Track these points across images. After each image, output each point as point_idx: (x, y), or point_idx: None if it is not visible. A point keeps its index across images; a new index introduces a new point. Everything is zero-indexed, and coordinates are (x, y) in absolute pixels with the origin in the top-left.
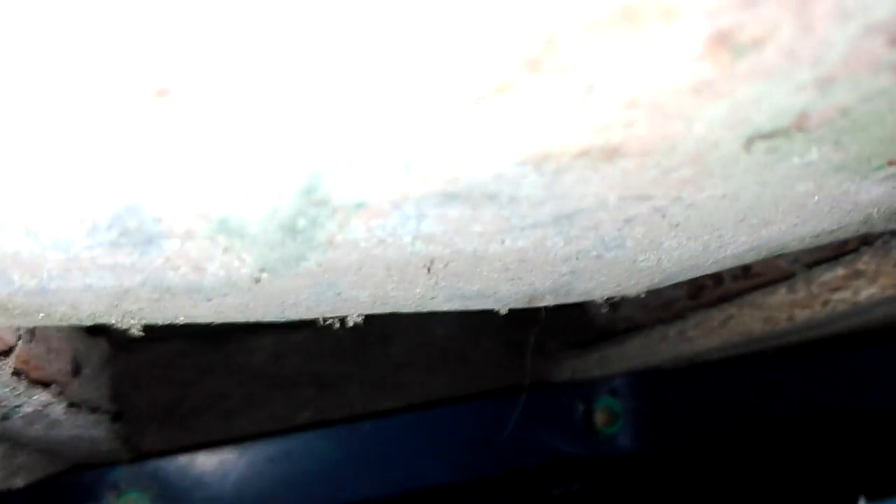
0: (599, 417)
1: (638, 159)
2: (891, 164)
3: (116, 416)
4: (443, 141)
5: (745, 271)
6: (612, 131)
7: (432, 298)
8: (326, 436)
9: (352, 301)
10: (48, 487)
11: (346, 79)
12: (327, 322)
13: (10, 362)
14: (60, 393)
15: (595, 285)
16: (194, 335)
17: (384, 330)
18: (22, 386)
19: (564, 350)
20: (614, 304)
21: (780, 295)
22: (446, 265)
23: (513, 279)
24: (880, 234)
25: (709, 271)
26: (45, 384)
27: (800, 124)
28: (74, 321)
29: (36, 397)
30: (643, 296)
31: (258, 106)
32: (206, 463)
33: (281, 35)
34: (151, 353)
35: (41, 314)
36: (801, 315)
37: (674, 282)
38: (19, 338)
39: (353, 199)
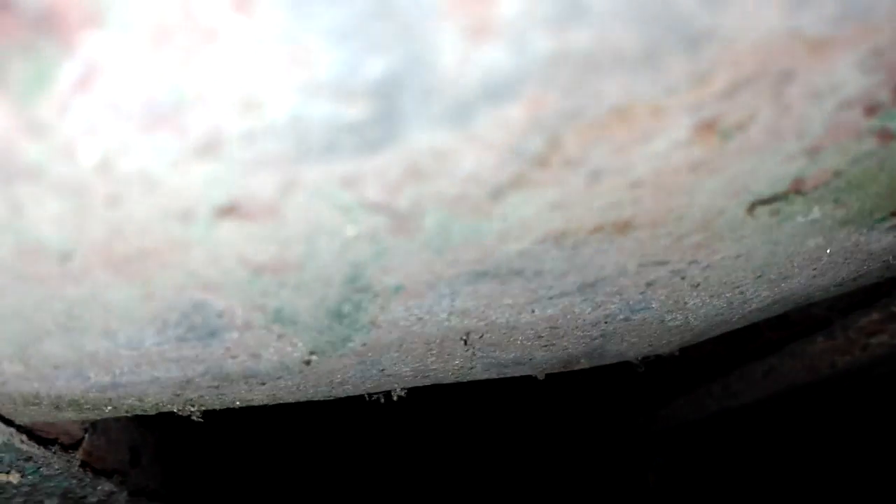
0: (651, 477)
1: (649, 230)
2: (894, 214)
3: (172, 502)
4: (468, 229)
5: (781, 321)
6: (621, 209)
7: (471, 368)
8: None
9: (395, 376)
10: None
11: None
12: (373, 398)
13: (79, 455)
14: (122, 482)
15: (627, 346)
16: (240, 424)
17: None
18: (88, 477)
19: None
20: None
21: (819, 343)
22: (482, 336)
23: (546, 345)
24: None
25: (738, 325)
26: (108, 474)
27: (797, 188)
28: (139, 411)
29: (100, 487)
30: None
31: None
32: None
33: None
34: (202, 442)
35: (109, 407)
36: (842, 361)
37: (706, 338)
38: (85, 430)
39: (392, 284)
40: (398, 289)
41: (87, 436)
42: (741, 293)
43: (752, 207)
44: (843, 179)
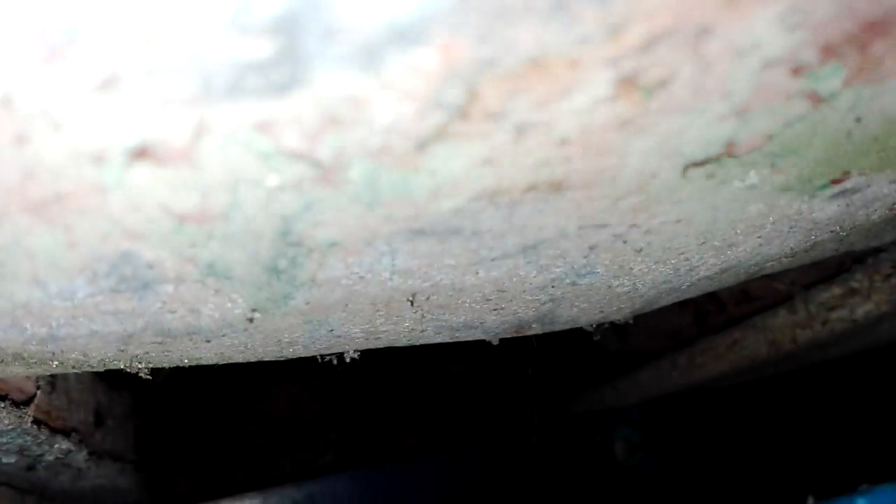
0: (619, 449)
1: (584, 191)
2: (834, 182)
3: (141, 466)
4: (397, 183)
5: (745, 295)
6: (552, 167)
7: (422, 331)
8: (348, 478)
9: (345, 337)
10: None
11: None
12: (326, 359)
13: (31, 410)
14: (81, 441)
15: (578, 312)
16: (216, 385)
17: (403, 369)
18: (43, 434)
19: (580, 382)
20: (622, 333)
21: (782, 317)
22: (428, 298)
23: (496, 309)
24: (872, 252)
25: (690, 294)
26: (66, 433)
27: (730, 151)
28: (87, 367)
29: (57, 445)
30: (646, 323)
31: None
32: None
33: None
34: (175, 404)
35: (55, 362)
36: (804, 336)
37: (658, 306)
38: (38, 387)
39: (326, 239)
40: (333, 244)
41: (38, 392)
42: (686, 260)
43: (685, 170)
44: (777, 143)
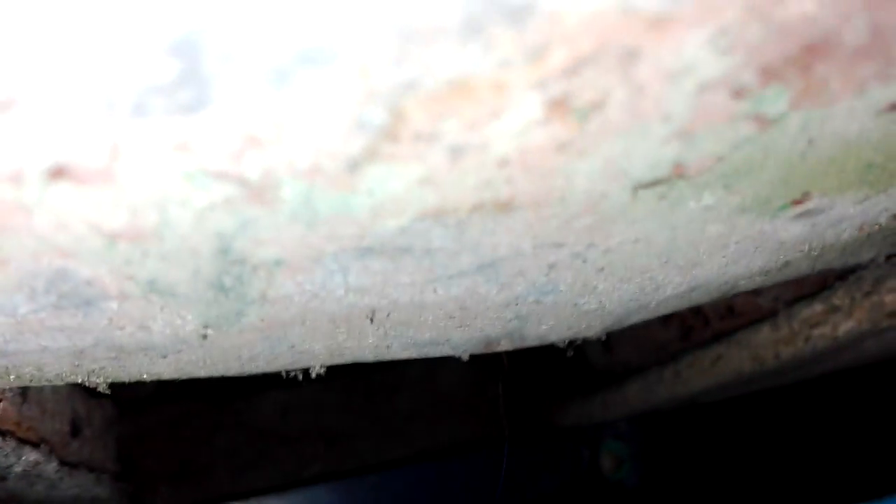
0: (606, 463)
1: (533, 211)
2: (796, 203)
3: (120, 476)
4: (335, 202)
5: (729, 311)
6: (496, 188)
7: (388, 347)
8: (333, 489)
9: (307, 353)
10: None
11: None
12: (291, 375)
13: None
14: (51, 452)
15: (547, 329)
16: (202, 394)
17: (390, 381)
18: (9, 446)
19: (567, 396)
20: (609, 348)
21: (764, 333)
22: (389, 315)
23: (461, 326)
24: (852, 269)
25: (659, 313)
26: (35, 444)
27: (679, 172)
28: (45, 381)
29: (25, 457)
30: (634, 336)
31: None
32: None
33: None
34: (159, 413)
35: (12, 376)
36: (786, 352)
37: (629, 323)
38: (0, 399)
39: (269, 257)
40: (279, 262)
41: (2, 404)
42: (651, 279)
43: (635, 191)
44: (729, 165)
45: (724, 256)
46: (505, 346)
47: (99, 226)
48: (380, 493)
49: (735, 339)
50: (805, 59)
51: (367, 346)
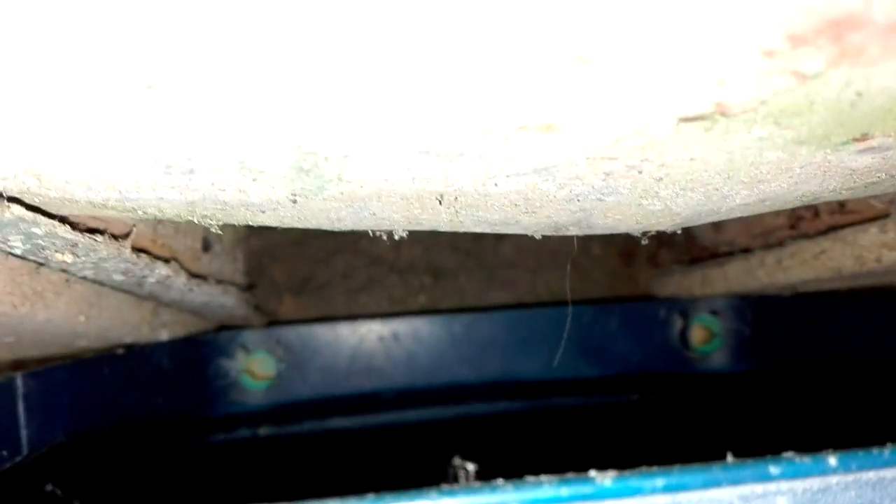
0: (696, 335)
1: (577, 132)
2: (857, 140)
3: (247, 287)
4: (411, 104)
5: (841, 206)
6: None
7: (461, 222)
8: (434, 323)
9: (389, 220)
10: (188, 342)
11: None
12: (377, 234)
13: (128, 243)
14: (181, 267)
15: (615, 222)
16: None
17: None
18: (143, 261)
19: (670, 266)
20: (718, 225)
21: (871, 234)
22: (456, 199)
23: (527, 212)
24: None
25: (729, 216)
26: (167, 260)
27: (722, 111)
28: (167, 218)
29: (158, 271)
30: (742, 218)
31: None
32: (326, 335)
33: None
34: (285, 232)
35: (140, 211)
36: (889, 257)
37: (701, 222)
38: (133, 224)
39: (339, 152)
40: (346, 156)
41: (136, 227)
42: (716, 189)
43: (678, 122)
44: (774, 107)
45: (790, 177)
46: (574, 231)
47: None
48: (475, 330)
49: (841, 235)
50: (834, 30)
51: (441, 220)
